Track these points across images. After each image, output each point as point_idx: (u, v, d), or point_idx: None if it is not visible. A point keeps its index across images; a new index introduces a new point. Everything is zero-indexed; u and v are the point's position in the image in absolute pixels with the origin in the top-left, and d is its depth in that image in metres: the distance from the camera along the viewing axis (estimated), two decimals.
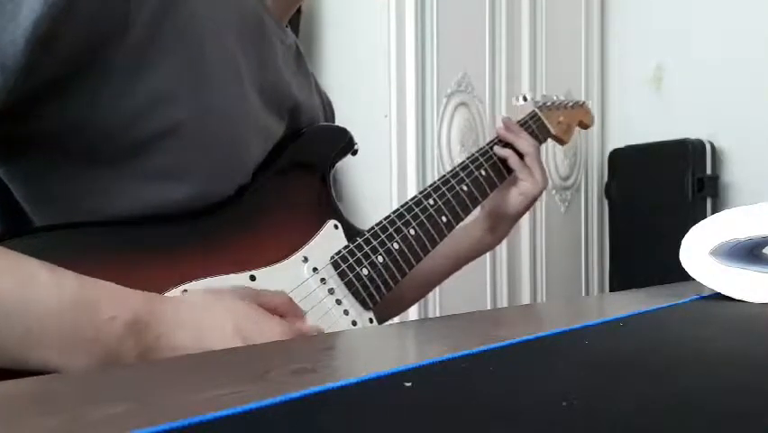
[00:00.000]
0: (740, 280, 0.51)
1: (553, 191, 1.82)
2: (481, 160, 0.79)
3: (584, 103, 1.01)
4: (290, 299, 0.56)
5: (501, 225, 0.85)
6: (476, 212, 0.81)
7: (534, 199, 0.83)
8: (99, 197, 0.51)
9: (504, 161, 0.81)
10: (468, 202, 0.76)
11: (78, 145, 0.49)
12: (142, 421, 0.21)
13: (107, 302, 0.42)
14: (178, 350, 0.45)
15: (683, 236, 0.54)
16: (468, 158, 0.79)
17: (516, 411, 0.23)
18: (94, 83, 0.47)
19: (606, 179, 1.95)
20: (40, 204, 0.52)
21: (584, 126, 1.02)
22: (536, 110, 0.90)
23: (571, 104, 0.97)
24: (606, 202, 1.96)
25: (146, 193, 0.52)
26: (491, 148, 0.81)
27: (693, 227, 0.54)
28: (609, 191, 1.92)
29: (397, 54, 1.39)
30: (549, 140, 0.93)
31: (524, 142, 0.82)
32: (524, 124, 0.87)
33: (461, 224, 0.77)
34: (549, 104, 0.93)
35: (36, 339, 0.39)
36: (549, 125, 0.90)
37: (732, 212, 0.52)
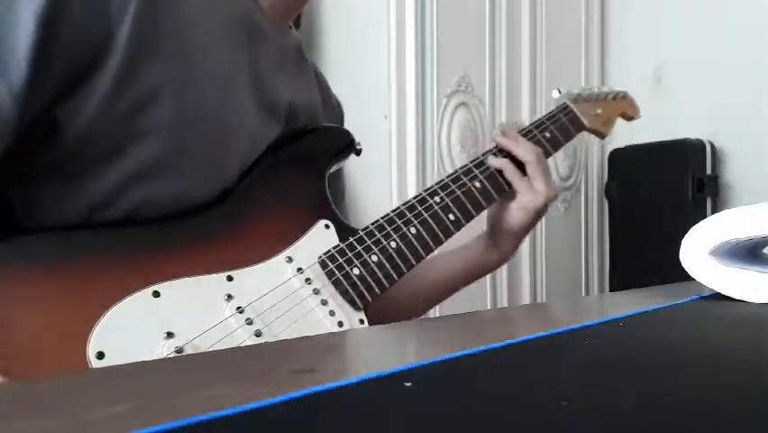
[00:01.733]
0: (740, 280, 0.51)
1: None
2: (476, 171, 0.73)
3: (626, 94, 0.94)
4: None
5: (503, 242, 0.79)
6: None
7: (538, 213, 0.75)
8: (81, 199, 0.52)
9: (501, 171, 0.74)
10: (470, 208, 0.71)
11: (59, 151, 0.50)
12: (142, 421, 0.21)
13: None
14: None
15: (683, 236, 0.54)
16: (461, 168, 0.74)
17: (516, 411, 0.23)
18: (82, 94, 0.48)
19: (606, 179, 1.94)
20: (28, 208, 0.53)
21: (628, 118, 0.94)
22: (568, 102, 0.84)
23: (612, 95, 0.91)
24: (606, 202, 1.96)
25: (130, 192, 0.53)
26: (486, 158, 0.75)
27: (693, 227, 0.54)
28: (609, 191, 1.92)
29: (397, 54, 1.39)
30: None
31: (522, 149, 0.74)
32: (553, 116, 0.81)
33: (464, 241, 0.75)
34: (586, 95, 0.87)
35: None
36: (583, 118, 0.84)
37: (732, 212, 0.52)
